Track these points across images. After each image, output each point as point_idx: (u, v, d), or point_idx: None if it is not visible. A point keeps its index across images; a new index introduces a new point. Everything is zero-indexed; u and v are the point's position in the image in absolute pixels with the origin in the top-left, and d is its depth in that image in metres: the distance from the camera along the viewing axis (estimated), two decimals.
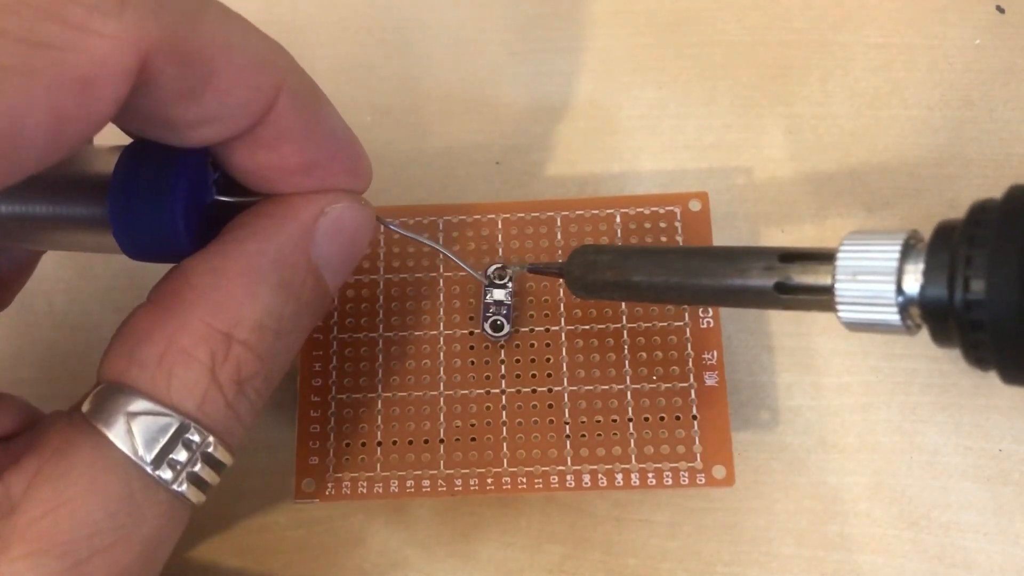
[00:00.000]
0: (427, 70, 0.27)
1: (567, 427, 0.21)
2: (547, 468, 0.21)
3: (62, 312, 0.24)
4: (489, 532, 0.22)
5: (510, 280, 0.22)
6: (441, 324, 0.22)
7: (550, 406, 0.21)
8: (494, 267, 0.22)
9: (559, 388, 0.21)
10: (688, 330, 0.22)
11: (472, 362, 0.22)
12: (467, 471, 0.21)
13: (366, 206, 0.18)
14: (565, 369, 0.21)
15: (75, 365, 0.24)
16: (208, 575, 0.22)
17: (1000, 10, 0.26)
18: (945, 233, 0.15)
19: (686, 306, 0.22)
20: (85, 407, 0.15)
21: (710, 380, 0.21)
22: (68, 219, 0.17)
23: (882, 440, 0.22)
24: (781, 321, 0.23)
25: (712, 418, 0.21)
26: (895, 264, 0.15)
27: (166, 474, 0.15)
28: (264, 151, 0.16)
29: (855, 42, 0.26)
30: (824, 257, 0.16)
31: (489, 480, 0.21)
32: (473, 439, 0.21)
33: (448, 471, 0.21)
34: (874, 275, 0.15)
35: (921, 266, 0.15)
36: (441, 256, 0.22)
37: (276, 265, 0.16)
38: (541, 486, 0.21)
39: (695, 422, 0.21)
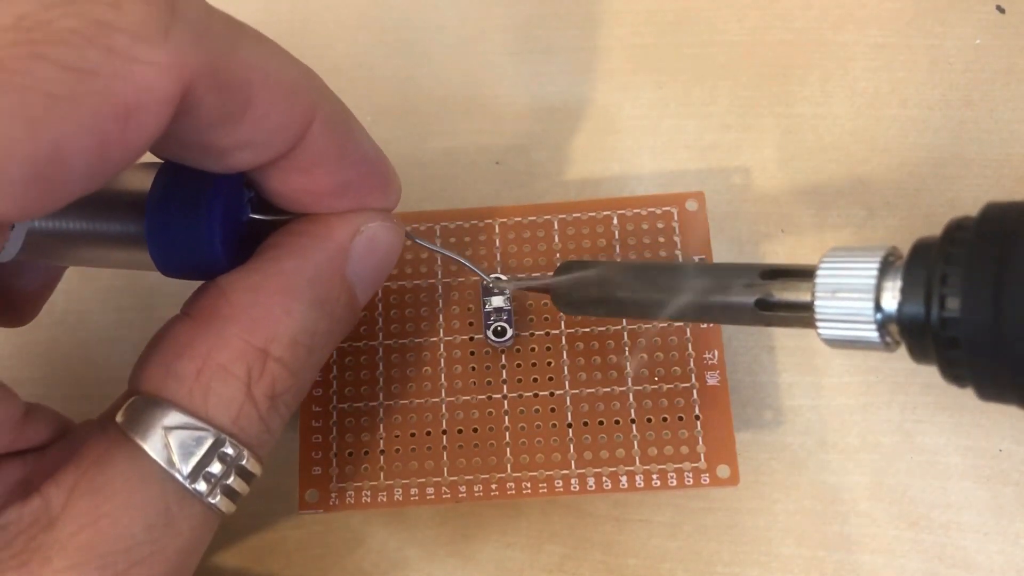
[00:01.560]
0: (427, 70, 0.27)
1: (570, 430, 0.21)
2: (551, 472, 0.21)
3: (62, 312, 0.24)
4: (489, 532, 0.22)
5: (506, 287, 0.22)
6: (441, 330, 0.22)
7: (552, 410, 0.21)
8: (494, 276, 0.22)
9: (560, 392, 0.21)
10: (688, 330, 0.22)
11: (473, 368, 0.22)
12: (471, 477, 0.21)
13: (398, 224, 0.18)
14: (566, 372, 0.21)
15: (76, 365, 0.24)
16: (208, 575, 0.22)
17: (1000, 10, 0.26)
18: (922, 250, 0.15)
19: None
20: (119, 418, 0.16)
21: (712, 380, 0.21)
22: (104, 236, 0.17)
23: (882, 440, 0.22)
24: None
25: (715, 418, 0.21)
26: (873, 281, 0.15)
27: (201, 487, 0.15)
28: (298, 175, 0.17)
29: (855, 42, 0.26)
30: (804, 274, 0.16)
31: (493, 486, 0.21)
32: (476, 445, 0.21)
33: (452, 478, 0.21)
34: (852, 292, 0.15)
35: (899, 283, 0.15)
36: (439, 262, 0.22)
37: (312, 283, 0.17)
38: (545, 490, 0.21)
39: (698, 422, 0.21)
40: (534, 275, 0.22)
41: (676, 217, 0.22)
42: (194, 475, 0.15)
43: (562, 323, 0.22)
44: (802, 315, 0.16)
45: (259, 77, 0.15)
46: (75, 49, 0.12)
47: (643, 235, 0.22)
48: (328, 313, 0.17)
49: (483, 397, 0.21)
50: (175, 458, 0.15)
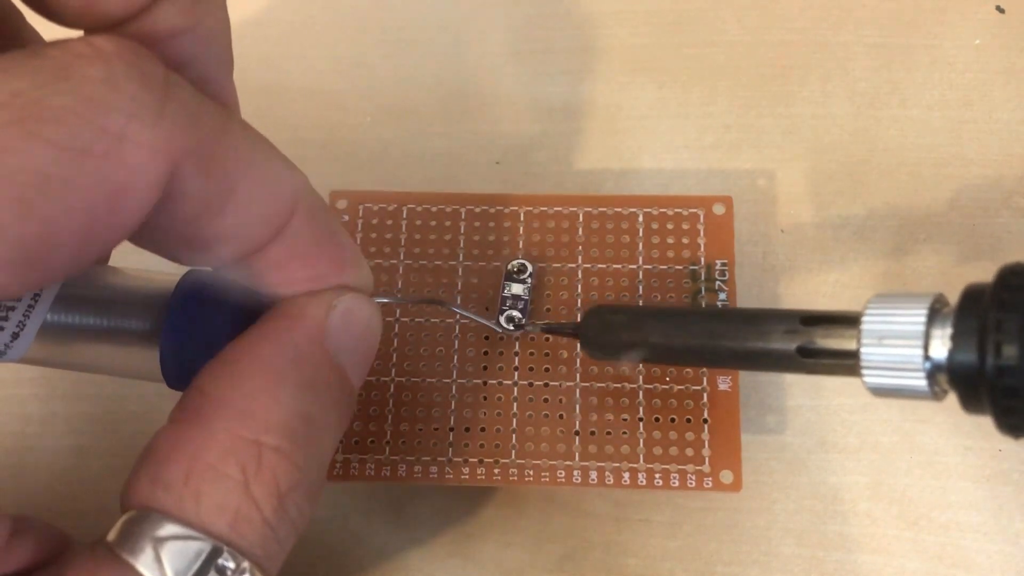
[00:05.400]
0: (427, 70, 0.27)
1: (577, 423, 0.21)
2: (554, 462, 0.21)
3: None
4: (489, 532, 0.22)
5: (530, 275, 0.22)
6: (457, 313, 0.22)
7: (561, 401, 0.21)
8: (515, 261, 0.22)
9: (571, 384, 0.21)
10: None
11: (486, 352, 0.22)
12: (475, 460, 0.21)
13: (371, 301, 0.18)
14: (578, 365, 0.21)
15: None
16: None
17: (1000, 10, 0.26)
18: (973, 297, 0.14)
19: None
20: (111, 536, 0.14)
21: (723, 384, 0.21)
22: (119, 333, 0.17)
23: (882, 440, 0.22)
24: None
25: (723, 422, 0.21)
26: (922, 328, 0.14)
27: None
28: (274, 270, 0.16)
29: (855, 42, 0.26)
30: (848, 321, 0.16)
31: (496, 471, 0.21)
32: (483, 429, 0.21)
33: (456, 459, 0.21)
34: (900, 339, 0.15)
35: (949, 330, 0.14)
36: (461, 244, 0.22)
37: (296, 364, 0.16)
38: (548, 480, 0.21)
39: (705, 425, 0.21)
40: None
41: (702, 219, 0.22)
42: None
43: (577, 315, 0.22)
44: (846, 363, 0.15)
45: (244, 165, 0.15)
46: (68, 128, 0.12)
47: (667, 235, 0.22)
48: (320, 395, 0.16)
49: (494, 382, 0.21)
50: (167, 572, 0.14)
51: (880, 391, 0.15)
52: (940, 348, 0.14)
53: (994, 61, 0.25)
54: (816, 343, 0.16)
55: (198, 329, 0.16)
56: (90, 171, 0.12)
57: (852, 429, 0.22)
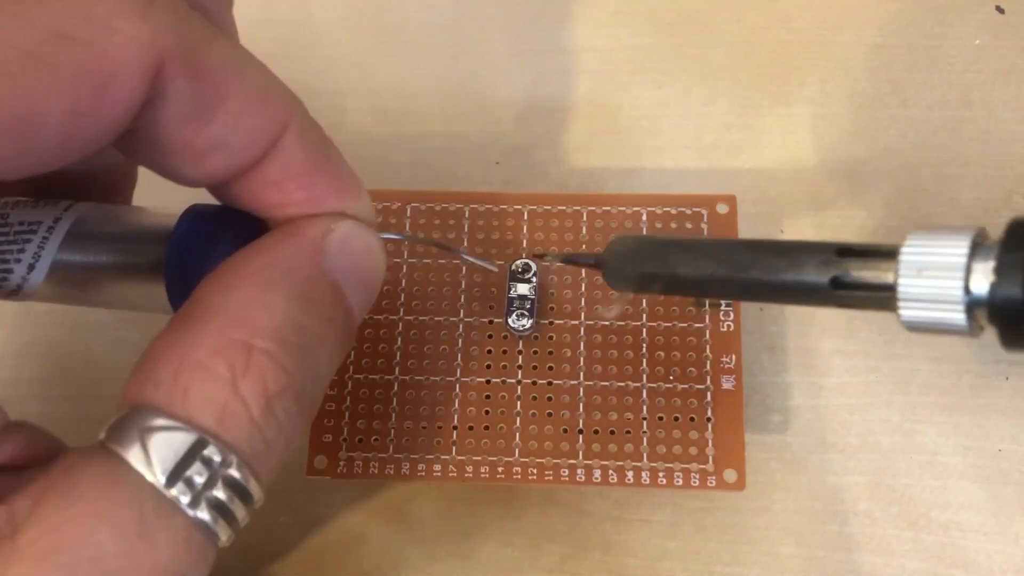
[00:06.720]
0: (427, 70, 0.27)
1: (580, 422, 0.21)
2: (558, 461, 0.21)
3: (62, 311, 0.24)
4: (489, 532, 0.22)
5: (534, 275, 0.22)
6: (461, 311, 0.22)
7: (564, 399, 0.21)
8: (520, 261, 0.22)
9: (575, 382, 0.21)
10: (708, 332, 0.21)
11: (490, 351, 0.22)
12: (478, 458, 0.21)
13: (372, 231, 0.18)
14: (582, 364, 0.21)
15: (76, 365, 0.24)
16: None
17: (1000, 10, 0.26)
18: (1019, 230, 0.14)
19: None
20: (101, 435, 0.15)
21: (727, 384, 0.21)
22: (127, 267, 0.17)
23: (882, 440, 0.22)
24: (782, 321, 0.23)
25: (727, 422, 0.21)
26: (963, 260, 0.14)
27: (182, 496, 0.14)
28: (270, 189, 0.16)
29: (855, 42, 0.26)
30: (886, 253, 0.15)
31: (499, 469, 0.21)
32: (486, 427, 0.21)
33: (459, 457, 0.21)
34: (940, 271, 0.14)
35: (991, 263, 0.14)
36: (466, 243, 0.23)
37: (288, 276, 0.16)
38: (551, 478, 0.21)
39: (709, 424, 0.21)
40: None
41: (705, 218, 0.22)
42: (172, 480, 0.14)
43: (582, 314, 0.22)
44: (882, 296, 0.15)
45: (234, 74, 0.15)
46: (54, 13, 0.13)
47: (671, 234, 0.22)
48: (315, 310, 0.16)
49: (498, 381, 0.21)
50: (153, 462, 0.14)
51: (916, 326, 0.15)
52: (982, 282, 0.14)
53: (994, 61, 0.25)
54: (851, 275, 0.15)
55: (201, 257, 0.17)
56: (74, 55, 0.13)
57: (852, 429, 0.22)
